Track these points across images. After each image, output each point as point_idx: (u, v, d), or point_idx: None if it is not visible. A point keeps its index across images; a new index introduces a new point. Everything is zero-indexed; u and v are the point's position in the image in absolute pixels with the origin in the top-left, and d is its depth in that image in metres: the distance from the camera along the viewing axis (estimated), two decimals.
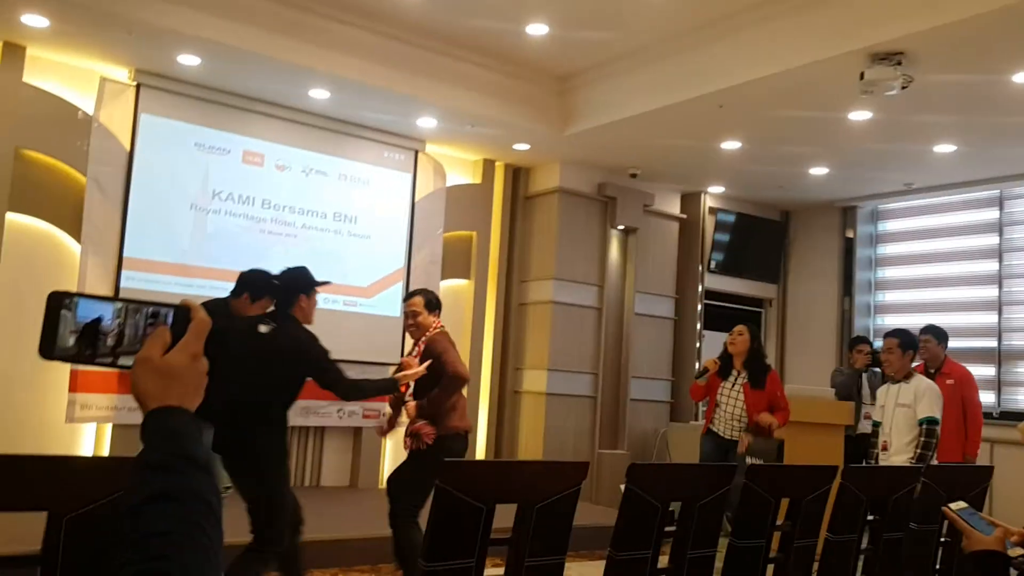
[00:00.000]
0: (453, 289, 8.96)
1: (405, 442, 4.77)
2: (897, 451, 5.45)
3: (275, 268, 7.54)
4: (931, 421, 5.37)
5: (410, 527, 4.56)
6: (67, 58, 7.00)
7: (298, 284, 4.25)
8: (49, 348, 1.07)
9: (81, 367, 6.59)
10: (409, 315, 4.79)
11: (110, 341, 1.10)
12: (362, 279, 8.30)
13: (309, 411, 7.89)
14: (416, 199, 8.67)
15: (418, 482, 4.50)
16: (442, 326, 4.82)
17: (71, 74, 7.05)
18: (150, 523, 0.92)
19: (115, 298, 1.12)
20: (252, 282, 4.59)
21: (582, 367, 9.13)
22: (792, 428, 6.33)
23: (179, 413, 1.03)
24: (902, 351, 5.59)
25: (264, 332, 4.12)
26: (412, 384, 4.70)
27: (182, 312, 1.11)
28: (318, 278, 4.34)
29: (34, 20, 6.24)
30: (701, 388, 6.28)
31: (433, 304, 4.80)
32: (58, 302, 1.07)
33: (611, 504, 8.10)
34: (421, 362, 4.56)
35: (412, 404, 4.68)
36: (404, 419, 4.80)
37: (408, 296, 4.94)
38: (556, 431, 8.87)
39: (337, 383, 4.16)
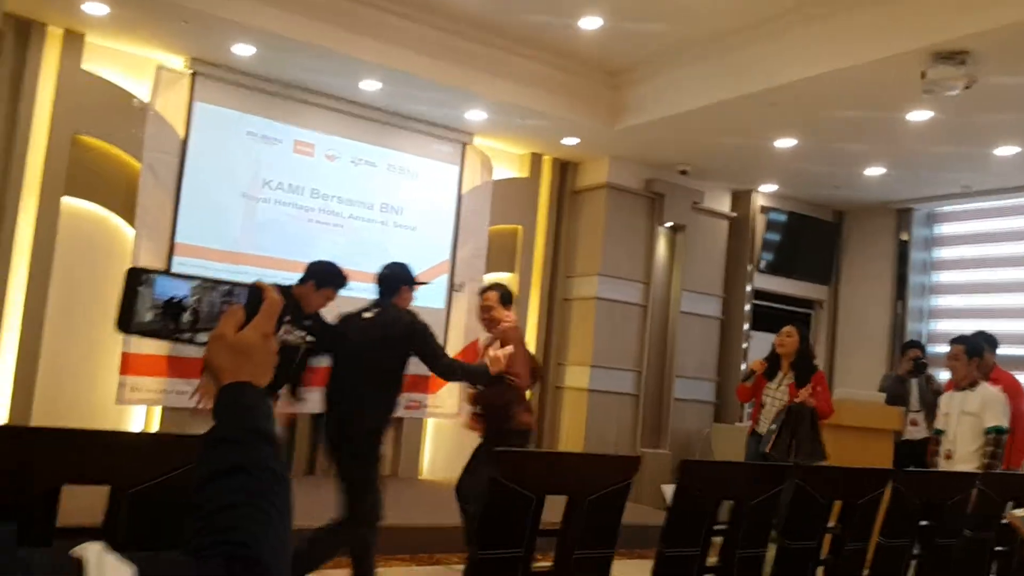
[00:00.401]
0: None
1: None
2: (962, 459, 5.33)
3: (322, 257, 7.63)
4: (999, 431, 5.29)
5: None
6: (124, 46, 7.09)
7: (401, 277, 4.52)
8: (127, 322, 1.11)
9: (155, 341, 6.74)
10: (484, 308, 5.22)
11: (188, 318, 1.13)
12: None
13: None
14: (463, 192, 8.67)
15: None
16: (514, 319, 5.26)
17: (128, 62, 7.15)
18: (221, 495, 0.95)
19: (192, 276, 1.14)
20: (319, 271, 4.71)
21: (625, 364, 9.07)
22: (841, 432, 6.25)
23: (250, 388, 1.06)
24: (968, 358, 5.48)
25: (369, 316, 4.39)
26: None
27: (256, 292, 1.13)
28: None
29: (94, 8, 6.33)
30: (748, 389, 6.24)
31: (507, 298, 5.25)
32: (136, 278, 1.11)
33: (652, 503, 8.04)
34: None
35: (470, 392, 5.20)
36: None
37: (483, 290, 5.39)
38: (598, 428, 8.82)
39: (436, 359, 4.41)
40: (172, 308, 1.12)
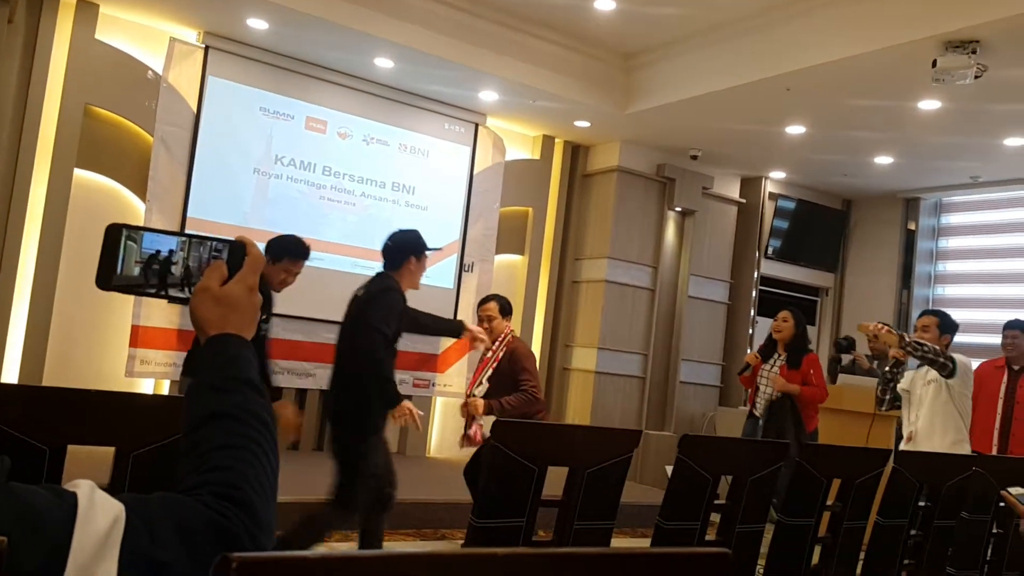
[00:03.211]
0: (507, 264, 8.99)
1: (462, 441, 5.04)
2: (926, 436, 4.90)
3: (333, 234, 7.59)
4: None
5: None
6: (138, 17, 7.11)
7: (408, 246, 4.21)
8: (107, 279, 1.10)
9: (141, 297, 6.76)
10: (484, 319, 5.12)
11: (176, 272, 1.13)
12: None
13: None
14: (474, 172, 8.70)
15: None
16: (512, 330, 5.19)
17: (142, 34, 7.17)
18: (210, 438, 0.97)
19: (177, 232, 1.16)
20: (273, 244, 4.48)
21: (632, 347, 9.12)
22: (842, 416, 6.31)
23: (236, 340, 1.08)
24: (940, 332, 4.99)
25: (357, 294, 4.17)
26: (484, 382, 5.00)
27: (238, 247, 1.14)
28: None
29: None
30: (748, 378, 6.40)
31: (506, 309, 5.17)
32: (117, 234, 1.10)
33: (656, 484, 8.12)
34: (500, 366, 4.97)
35: (480, 402, 4.87)
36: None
37: (483, 301, 5.28)
38: (604, 410, 8.88)
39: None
40: (161, 264, 1.12)
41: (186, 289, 1.13)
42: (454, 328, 4.97)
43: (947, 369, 4.69)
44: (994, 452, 5.76)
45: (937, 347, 4.70)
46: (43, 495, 0.81)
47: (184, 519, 0.86)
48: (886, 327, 4.73)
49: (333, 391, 4.12)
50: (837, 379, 7.43)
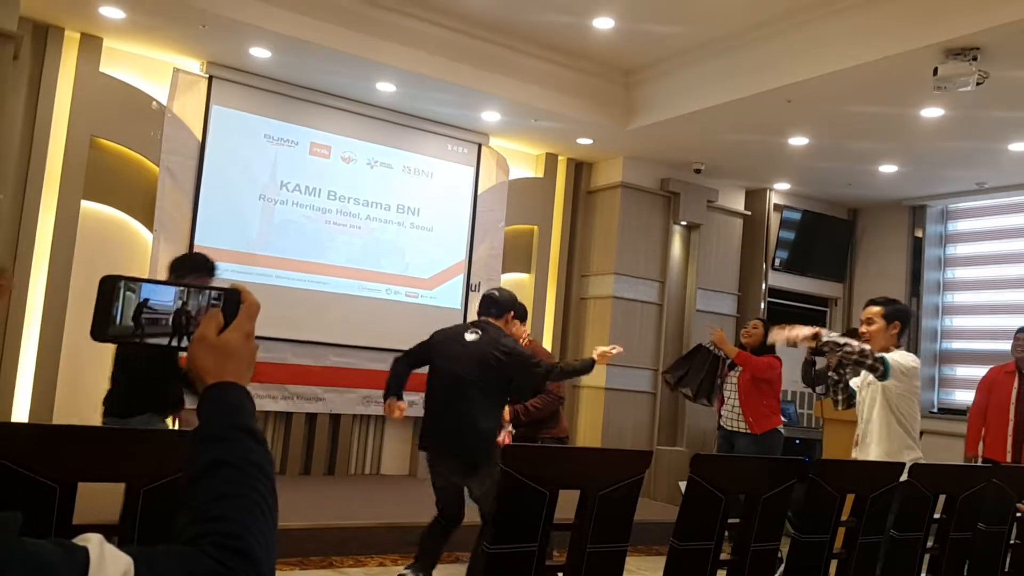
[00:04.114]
0: (514, 283, 8.98)
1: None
2: (865, 445, 4.38)
3: (339, 258, 7.58)
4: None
5: None
6: (142, 50, 7.18)
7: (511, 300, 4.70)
8: (102, 330, 1.11)
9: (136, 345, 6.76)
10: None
11: (174, 322, 1.14)
12: (424, 271, 8.38)
13: (370, 400, 7.99)
14: (478, 192, 8.72)
15: None
16: (528, 334, 5.37)
17: (145, 65, 7.23)
18: (210, 488, 0.98)
19: (176, 282, 1.16)
20: (180, 264, 4.39)
21: (642, 363, 9.09)
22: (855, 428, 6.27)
23: (234, 388, 1.09)
24: (887, 322, 4.35)
25: (471, 340, 4.46)
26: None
27: (233, 295, 1.15)
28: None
29: (111, 12, 6.41)
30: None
31: (522, 315, 5.25)
32: (112, 286, 1.11)
33: (669, 500, 8.08)
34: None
35: (506, 409, 5.01)
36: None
37: None
38: (615, 426, 8.85)
39: (548, 373, 4.51)
40: (156, 314, 1.12)
41: (184, 339, 1.13)
42: None
43: (878, 371, 4.07)
44: (1008, 460, 5.72)
45: (866, 347, 4.06)
46: (54, 551, 0.81)
47: (189, 571, 0.88)
48: (801, 330, 4.16)
49: (460, 432, 4.33)
50: (812, 383, 7.35)
